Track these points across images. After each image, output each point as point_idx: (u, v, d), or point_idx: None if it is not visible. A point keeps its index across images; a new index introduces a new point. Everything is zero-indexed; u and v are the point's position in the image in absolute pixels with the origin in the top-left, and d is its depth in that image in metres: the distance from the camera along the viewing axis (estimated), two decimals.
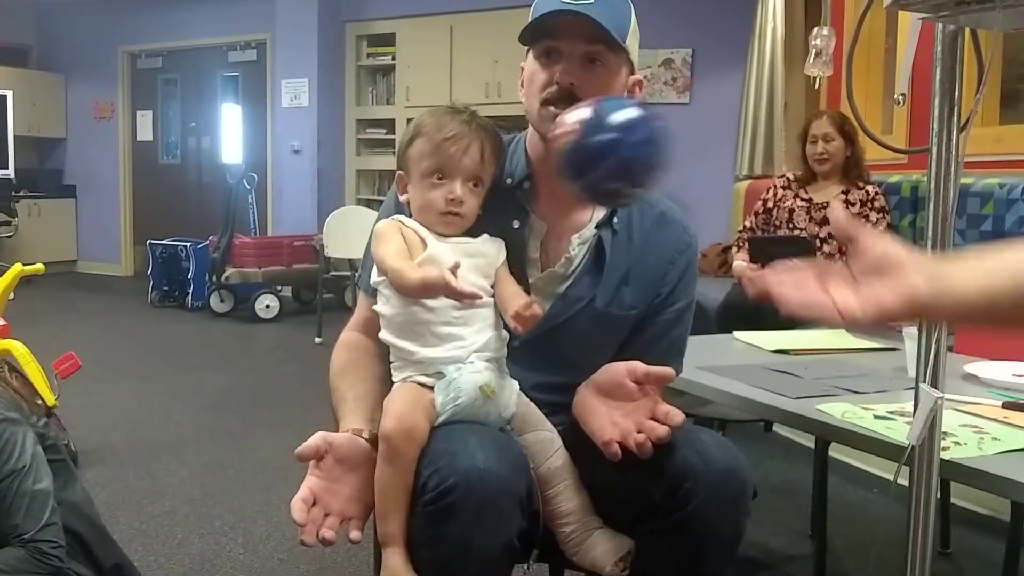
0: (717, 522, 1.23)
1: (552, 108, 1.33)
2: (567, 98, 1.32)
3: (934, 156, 1.05)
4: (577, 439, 1.35)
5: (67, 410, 3.13)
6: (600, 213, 1.44)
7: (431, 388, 1.26)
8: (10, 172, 8.10)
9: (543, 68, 1.35)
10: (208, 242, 6.78)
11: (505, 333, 1.33)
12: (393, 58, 7.49)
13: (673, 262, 1.46)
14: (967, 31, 1.07)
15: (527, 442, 1.29)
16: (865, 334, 2.20)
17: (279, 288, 6.73)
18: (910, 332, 1.75)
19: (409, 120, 7.92)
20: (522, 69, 1.43)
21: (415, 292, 1.24)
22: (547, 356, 1.34)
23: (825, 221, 3.60)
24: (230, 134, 8.59)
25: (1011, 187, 3.08)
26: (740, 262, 3.70)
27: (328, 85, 7.50)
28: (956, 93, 1.05)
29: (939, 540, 2.46)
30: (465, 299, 1.21)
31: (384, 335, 1.32)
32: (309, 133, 7.47)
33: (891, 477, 1.10)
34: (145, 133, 9.08)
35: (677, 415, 1.22)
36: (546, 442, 1.31)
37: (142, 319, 6.65)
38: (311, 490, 1.26)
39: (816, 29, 3.63)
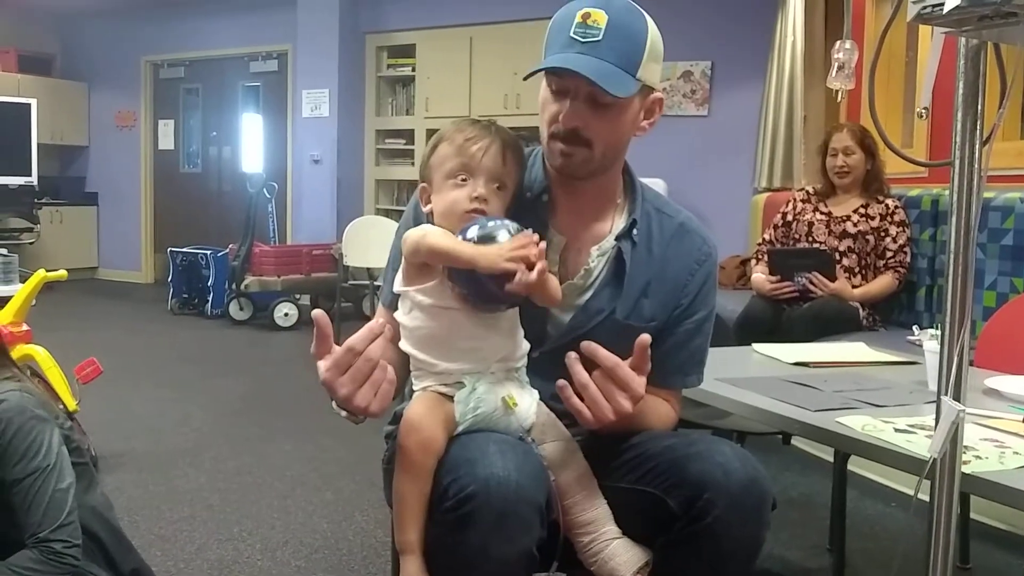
0: (737, 533, 1.23)
1: (558, 144, 1.35)
2: (573, 138, 1.34)
3: (957, 170, 1.05)
4: (597, 449, 1.36)
5: (87, 415, 3.15)
6: (620, 224, 1.44)
7: (451, 398, 1.27)
8: (33, 179, 8.18)
9: (552, 101, 1.36)
10: (228, 250, 6.83)
11: (526, 344, 1.34)
12: (413, 69, 7.53)
13: (693, 273, 1.47)
14: (990, 45, 1.07)
15: (547, 452, 1.30)
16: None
17: (298, 296, 6.77)
18: (931, 346, 1.74)
19: (428, 131, 8.01)
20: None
21: (443, 253, 1.25)
22: (564, 367, 1.32)
23: (845, 235, 3.60)
24: (251, 143, 8.66)
25: None
26: (759, 275, 3.70)
27: (348, 96, 7.56)
28: (979, 107, 1.05)
29: (959, 555, 2.44)
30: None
31: (405, 345, 1.32)
32: (329, 143, 7.52)
33: (910, 491, 1.10)
34: (167, 142, 9.16)
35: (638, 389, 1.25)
36: (566, 452, 1.32)
37: (162, 326, 6.70)
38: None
39: (839, 43, 3.64)
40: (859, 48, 3.71)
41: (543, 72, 1.36)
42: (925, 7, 0.95)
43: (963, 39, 1.05)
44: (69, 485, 1.70)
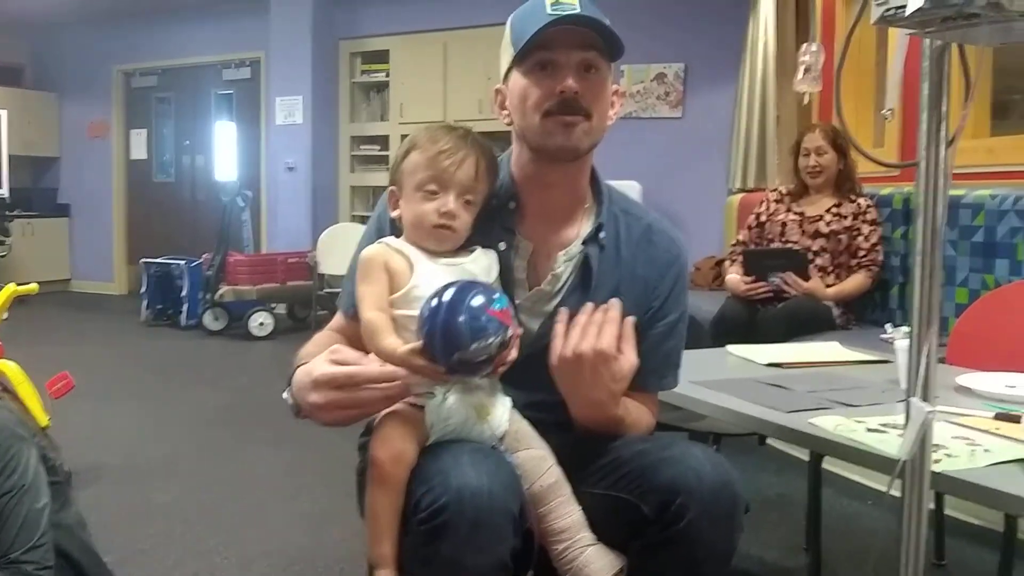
0: (710, 537, 1.23)
1: (558, 119, 1.33)
2: (570, 107, 1.33)
3: (923, 171, 1.06)
4: (570, 455, 1.35)
5: (61, 429, 3.11)
6: (587, 229, 1.44)
7: (421, 408, 1.26)
8: (4, 191, 8.09)
9: (538, 82, 1.35)
10: (202, 260, 6.78)
11: None
12: (387, 75, 7.51)
13: (663, 275, 1.47)
14: (954, 46, 1.07)
15: (520, 460, 1.29)
16: None
17: (273, 305, 6.71)
18: (902, 344, 1.75)
19: (403, 136, 7.99)
20: (497, 92, 1.44)
21: (381, 356, 1.25)
22: (539, 374, 1.33)
23: (817, 234, 3.62)
24: (224, 152, 8.60)
25: (1002, 198, 3.10)
26: (734, 275, 3.71)
27: (322, 102, 7.52)
28: (944, 108, 1.05)
29: (933, 552, 2.46)
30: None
31: (375, 357, 1.31)
32: (303, 150, 7.48)
33: (885, 488, 1.10)
34: (139, 151, 9.08)
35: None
36: (539, 460, 1.31)
37: (136, 338, 6.63)
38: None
39: (804, 45, 3.67)
40: (829, 50, 3.74)
41: (515, 66, 1.36)
42: (888, 9, 0.95)
43: (927, 40, 1.05)
44: (44, 506, 1.67)
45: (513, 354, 1.25)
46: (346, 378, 1.21)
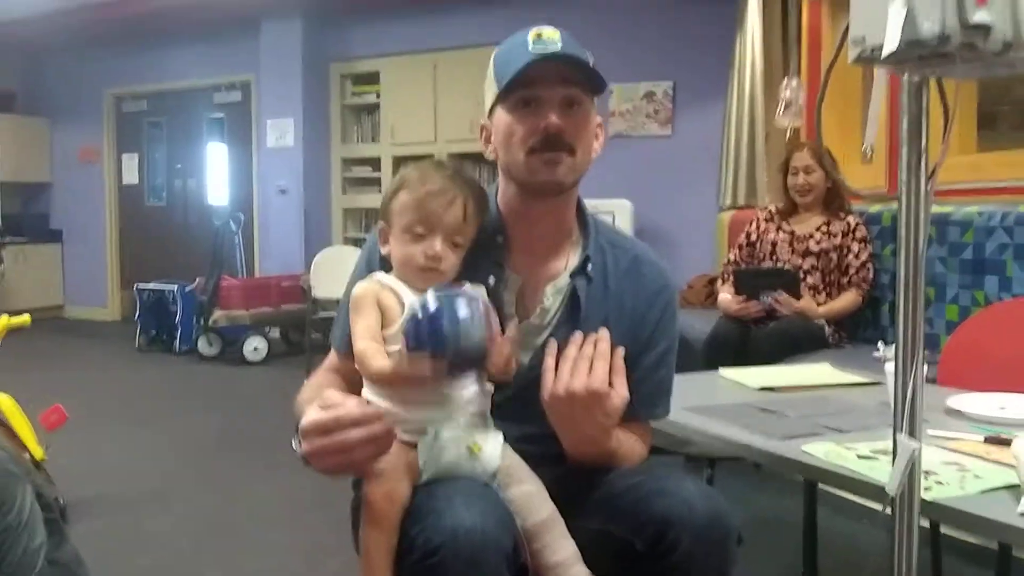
0: (703, 570, 1.23)
1: (543, 155, 1.35)
2: (554, 143, 1.34)
3: (903, 204, 1.07)
4: (563, 489, 1.35)
5: (53, 459, 3.10)
6: (574, 261, 1.45)
7: (414, 445, 1.26)
8: None
9: (521, 119, 1.36)
10: (195, 284, 6.76)
11: (489, 386, 1.34)
12: (377, 96, 7.53)
13: (652, 305, 1.48)
14: (932, 80, 1.09)
15: (513, 496, 1.29)
16: None
17: (268, 329, 6.70)
18: (890, 368, 1.76)
19: (395, 158, 7.95)
20: (483, 128, 1.45)
21: (376, 380, 1.26)
22: (531, 408, 1.33)
23: (808, 253, 3.63)
24: (216, 175, 8.61)
25: (990, 214, 3.12)
26: (726, 295, 3.72)
27: (313, 125, 7.54)
28: (923, 142, 1.07)
29: (931, 571, 2.45)
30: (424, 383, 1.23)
31: (368, 394, 1.32)
32: (295, 173, 7.49)
33: (879, 509, 1.10)
34: (131, 176, 9.08)
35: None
36: (532, 495, 1.31)
37: (130, 364, 6.62)
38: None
39: (785, 80, 3.69)
40: (815, 78, 3.75)
41: (499, 103, 1.38)
42: (864, 50, 0.96)
43: (905, 75, 1.06)
44: (40, 544, 1.66)
45: (505, 350, 1.28)
46: (332, 422, 1.20)
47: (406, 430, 1.27)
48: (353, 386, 1.36)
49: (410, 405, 1.28)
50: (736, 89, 5.32)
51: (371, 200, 7.56)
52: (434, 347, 1.19)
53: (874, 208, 3.72)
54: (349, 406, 1.21)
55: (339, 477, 1.25)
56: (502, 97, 1.38)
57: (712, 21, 5.67)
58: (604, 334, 1.32)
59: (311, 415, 1.22)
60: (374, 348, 1.27)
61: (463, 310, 1.20)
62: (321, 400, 1.24)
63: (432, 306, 1.20)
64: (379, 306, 1.31)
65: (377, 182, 7.54)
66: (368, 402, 1.25)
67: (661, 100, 6.13)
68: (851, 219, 3.63)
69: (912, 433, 1.01)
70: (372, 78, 7.55)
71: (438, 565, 1.14)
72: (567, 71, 1.34)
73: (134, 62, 8.53)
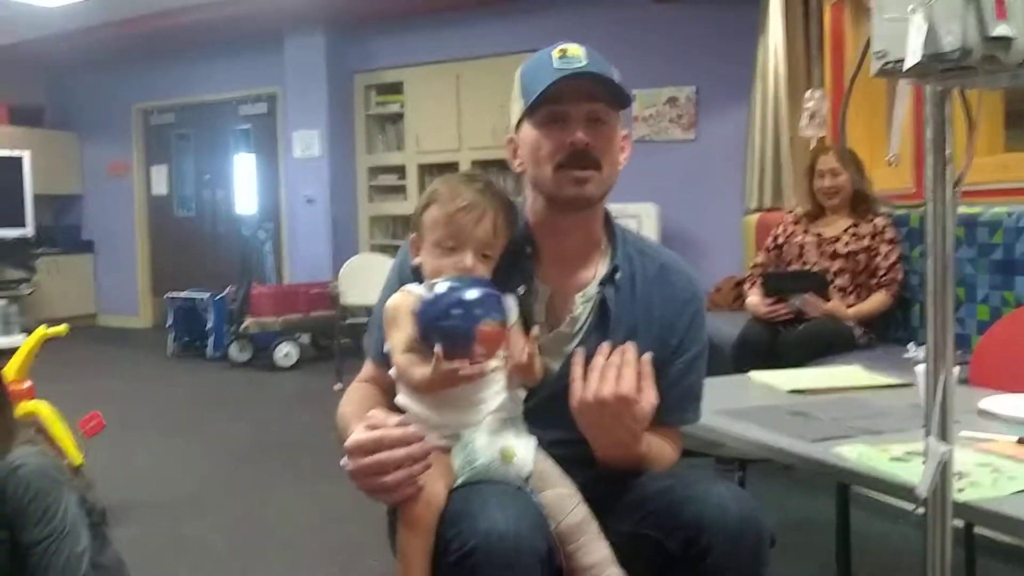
0: (736, 572, 1.25)
1: (570, 172, 1.38)
2: (581, 159, 1.37)
3: (930, 212, 1.08)
4: (596, 492, 1.38)
5: (90, 465, 3.16)
6: (603, 270, 1.48)
7: (448, 450, 1.29)
8: (28, 230, 8.22)
9: (549, 134, 1.39)
10: (226, 292, 6.86)
11: (521, 392, 1.37)
12: (401, 106, 7.60)
13: (680, 313, 1.49)
14: (955, 90, 1.10)
15: (546, 499, 1.32)
16: None
17: (298, 335, 6.78)
18: (921, 369, 1.76)
19: (420, 166, 7.97)
20: (510, 142, 1.48)
21: (420, 389, 1.29)
22: (562, 413, 1.35)
23: (836, 255, 3.63)
24: (244, 185, 8.71)
25: (1019, 215, 3.11)
26: (754, 298, 3.72)
27: (338, 135, 7.62)
28: (948, 150, 1.08)
29: (965, 571, 2.45)
30: (472, 379, 1.27)
31: (402, 400, 1.35)
32: (321, 182, 7.57)
33: (911, 509, 1.12)
34: (160, 187, 9.21)
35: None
36: (565, 498, 1.33)
37: (163, 371, 6.71)
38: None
39: (809, 92, 3.68)
40: (839, 86, 3.71)
41: (525, 118, 1.40)
42: (887, 62, 0.98)
43: (929, 86, 1.08)
44: (84, 549, 1.71)
45: (524, 345, 1.34)
46: (373, 443, 1.23)
47: (440, 435, 1.30)
48: (389, 395, 1.40)
49: (445, 410, 1.31)
50: (760, 93, 5.31)
51: (397, 208, 7.61)
52: (424, 324, 1.26)
53: (901, 210, 3.71)
54: (390, 426, 1.24)
55: (377, 499, 1.27)
56: (529, 113, 1.41)
57: (734, 25, 5.67)
58: (630, 346, 1.34)
59: (356, 435, 1.25)
60: (413, 359, 1.30)
61: (460, 292, 1.28)
62: (367, 420, 1.27)
63: (436, 290, 1.28)
64: (413, 316, 1.34)
65: (403, 190, 7.59)
66: (407, 424, 1.28)
67: (684, 105, 6.13)
68: (878, 221, 3.62)
69: (944, 436, 1.02)
70: (396, 88, 7.62)
71: (474, 567, 1.16)
72: (592, 87, 1.37)
73: (161, 76, 8.65)
